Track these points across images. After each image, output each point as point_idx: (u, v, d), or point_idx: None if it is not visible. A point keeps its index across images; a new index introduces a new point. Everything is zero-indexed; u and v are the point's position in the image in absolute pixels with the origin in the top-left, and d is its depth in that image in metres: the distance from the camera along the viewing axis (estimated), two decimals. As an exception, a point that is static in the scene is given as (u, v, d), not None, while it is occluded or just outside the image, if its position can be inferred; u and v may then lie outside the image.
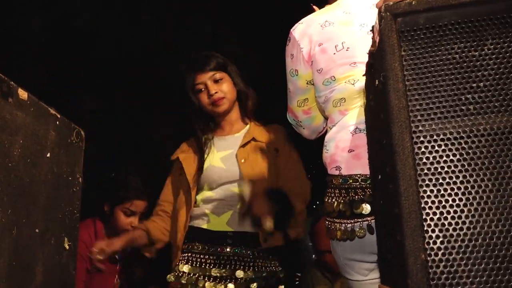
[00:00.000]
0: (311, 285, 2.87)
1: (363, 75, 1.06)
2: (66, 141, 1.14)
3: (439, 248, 0.73)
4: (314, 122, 1.57)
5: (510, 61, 0.78)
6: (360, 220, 1.25)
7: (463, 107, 0.78)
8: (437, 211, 0.74)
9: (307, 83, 1.45)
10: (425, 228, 0.74)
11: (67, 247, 1.10)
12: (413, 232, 0.73)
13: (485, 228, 0.73)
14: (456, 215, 0.74)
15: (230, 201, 1.90)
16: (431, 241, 0.73)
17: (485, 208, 0.74)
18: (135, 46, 3.90)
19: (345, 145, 1.30)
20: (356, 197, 1.25)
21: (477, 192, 0.74)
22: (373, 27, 0.92)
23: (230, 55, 2.10)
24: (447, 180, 0.75)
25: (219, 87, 1.95)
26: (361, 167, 1.25)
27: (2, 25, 3.41)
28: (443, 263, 0.73)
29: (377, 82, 0.87)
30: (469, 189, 0.75)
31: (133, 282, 2.54)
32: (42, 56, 3.68)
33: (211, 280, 1.82)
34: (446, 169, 0.76)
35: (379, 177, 0.94)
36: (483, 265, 0.72)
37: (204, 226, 1.91)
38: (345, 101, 1.33)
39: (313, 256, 3.29)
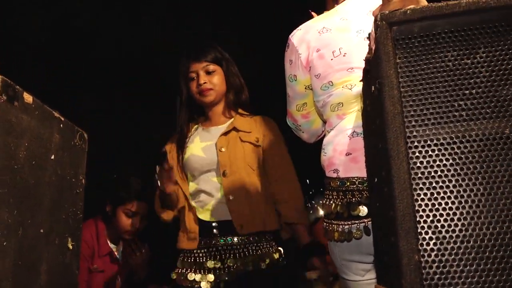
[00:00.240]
0: (309, 285, 2.88)
1: (360, 81, 1.08)
2: (69, 143, 1.16)
3: (432, 250, 0.75)
4: (313, 126, 1.59)
5: (501, 69, 0.80)
6: (357, 221, 1.27)
7: (456, 113, 0.80)
8: (430, 214, 0.77)
9: (305, 88, 1.48)
10: (418, 230, 0.76)
11: (70, 247, 1.12)
12: (407, 234, 0.76)
13: (477, 230, 0.75)
14: (448, 218, 0.76)
15: (211, 191, 1.92)
16: (424, 243, 0.75)
17: (477, 211, 0.76)
18: (135, 46, 3.91)
19: (343, 149, 1.32)
20: (353, 199, 1.28)
21: (469, 196, 0.77)
22: (369, 34, 0.95)
23: (230, 55, 2.12)
24: (440, 184, 0.77)
25: (210, 78, 1.99)
26: (358, 170, 1.28)
27: (2, 25, 3.42)
28: (436, 264, 0.75)
29: (373, 88, 0.89)
30: (462, 192, 0.77)
31: (133, 282, 2.56)
32: (42, 56, 3.69)
33: (206, 272, 1.85)
34: (439, 173, 0.78)
35: (375, 180, 0.96)
36: (474, 266, 0.74)
37: (199, 216, 1.94)
38: (342, 105, 1.35)
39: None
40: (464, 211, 0.76)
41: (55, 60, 3.71)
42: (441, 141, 0.79)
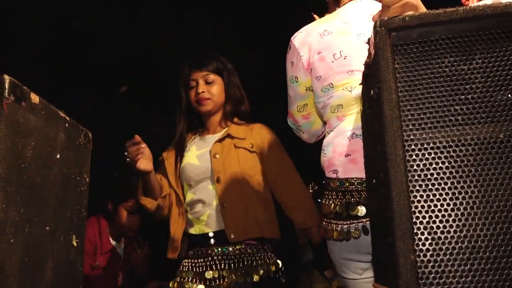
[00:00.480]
0: (309, 283, 2.90)
1: (360, 84, 1.11)
2: (74, 142, 1.18)
3: (427, 250, 0.78)
4: (313, 127, 1.62)
5: (496, 75, 0.83)
6: (355, 221, 1.29)
7: (452, 118, 0.82)
8: (427, 215, 0.79)
9: (306, 90, 1.50)
10: (415, 231, 0.78)
11: (75, 244, 1.14)
12: (404, 234, 0.78)
13: (471, 231, 0.78)
14: (444, 219, 0.78)
15: (207, 200, 1.90)
16: (420, 243, 0.78)
17: (471, 213, 0.78)
18: (135, 46, 3.91)
19: (342, 150, 1.34)
20: (352, 199, 1.30)
21: (463, 198, 0.79)
22: (369, 39, 0.97)
23: (230, 55, 2.14)
24: (436, 186, 0.80)
25: (208, 88, 2.00)
26: (357, 171, 1.30)
27: (2, 25, 3.42)
28: (431, 264, 0.77)
29: (372, 92, 0.92)
30: (457, 194, 0.79)
31: (133, 279, 2.59)
32: (42, 56, 3.69)
33: (203, 283, 1.81)
34: (435, 175, 0.80)
35: (374, 181, 0.98)
36: (468, 266, 0.76)
37: (191, 231, 1.93)
38: (342, 107, 1.38)
39: (311, 255, 3.33)
40: (459, 213, 0.79)
41: (55, 60, 3.71)
42: (438, 144, 0.82)
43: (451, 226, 0.78)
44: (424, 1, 1.03)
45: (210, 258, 1.85)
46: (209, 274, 1.81)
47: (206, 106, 2.00)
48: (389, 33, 0.87)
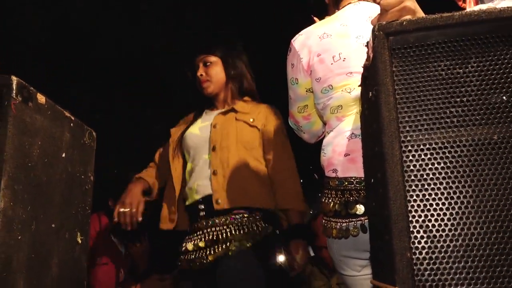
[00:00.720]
0: (309, 280, 2.93)
1: (359, 85, 1.13)
2: (79, 142, 1.21)
3: (423, 248, 0.79)
4: (314, 127, 1.64)
5: (491, 78, 0.85)
6: (354, 219, 1.31)
7: (447, 120, 0.84)
8: (422, 214, 0.81)
9: (306, 91, 1.52)
10: (411, 229, 0.80)
11: (79, 241, 1.17)
12: (400, 232, 0.80)
13: (465, 230, 0.79)
14: (439, 218, 0.80)
15: (201, 168, 1.94)
16: (416, 241, 0.80)
17: (466, 212, 0.80)
18: (135, 46, 3.93)
19: (342, 150, 1.36)
20: (351, 198, 1.32)
21: (458, 197, 0.81)
22: (367, 42, 0.99)
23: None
24: (432, 186, 0.82)
25: (206, 70, 2.05)
26: (356, 170, 1.32)
27: (2, 25, 3.44)
28: (427, 261, 0.79)
29: (370, 94, 0.94)
30: (452, 194, 0.81)
31: (135, 273, 2.61)
32: (42, 56, 3.71)
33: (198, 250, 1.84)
34: (431, 176, 0.82)
35: (372, 181, 1.00)
36: (462, 263, 0.78)
37: (186, 203, 1.97)
38: (341, 108, 1.40)
39: (311, 252, 3.35)
40: (454, 212, 0.81)
41: (55, 60, 3.73)
42: (433, 145, 0.84)
43: (446, 225, 0.80)
44: (422, 5, 1.05)
45: (200, 232, 1.86)
46: (202, 244, 1.82)
47: (207, 89, 2.06)
48: (387, 37, 0.89)
